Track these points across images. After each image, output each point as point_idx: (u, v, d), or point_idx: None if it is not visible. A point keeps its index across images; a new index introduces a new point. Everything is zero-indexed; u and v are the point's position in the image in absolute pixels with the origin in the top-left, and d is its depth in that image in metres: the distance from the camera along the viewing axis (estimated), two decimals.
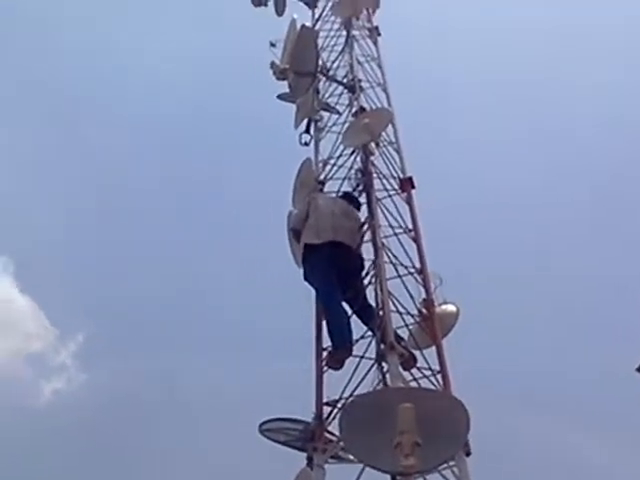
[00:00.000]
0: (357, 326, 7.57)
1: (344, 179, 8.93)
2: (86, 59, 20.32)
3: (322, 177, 9.16)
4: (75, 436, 16.20)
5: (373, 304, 7.58)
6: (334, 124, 9.82)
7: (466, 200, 16.79)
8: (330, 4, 11.54)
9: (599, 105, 17.91)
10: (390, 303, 7.25)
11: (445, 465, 6.03)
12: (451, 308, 7.95)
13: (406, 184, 8.58)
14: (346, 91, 10.09)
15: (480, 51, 18.80)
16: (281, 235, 8.72)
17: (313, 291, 7.97)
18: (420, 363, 7.14)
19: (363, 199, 8.57)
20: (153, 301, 17.99)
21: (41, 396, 18.68)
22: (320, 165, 9.33)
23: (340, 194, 8.81)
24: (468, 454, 6.16)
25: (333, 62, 10.47)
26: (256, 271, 15.95)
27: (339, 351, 7.30)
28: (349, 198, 8.65)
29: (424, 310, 7.53)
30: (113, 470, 15.22)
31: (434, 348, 7.22)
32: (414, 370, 7.10)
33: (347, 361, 7.27)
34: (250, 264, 16.32)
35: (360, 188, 8.68)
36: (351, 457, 6.32)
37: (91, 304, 18.48)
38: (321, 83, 10.25)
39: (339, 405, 6.83)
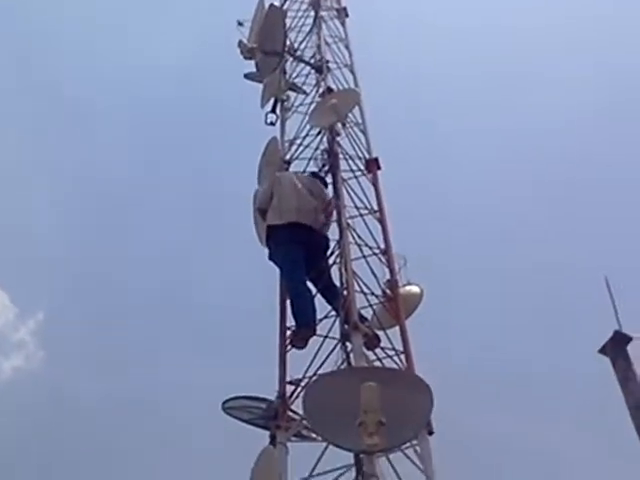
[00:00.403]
0: (321, 305, 7.59)
1: (310, 159, 8.91)
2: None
3: (288, 157, 9.13)
4: (36, 414, 16.17)
5: (337, 284, 7.59)
6: (301, 104, 9.79)
7: (431, 182, 16.88)
8: None
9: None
10: (354, 283, 7.27)
11: (408, 444, 6.07)
12: (415, 289, 7.99)
13: (372, 165, 8.59)
14: (313, 71, 10.07)
15: (450, 37, 18.82)
16: None
17: (278, 270, 7.98)
18: (384, 343, 7.19)
19: (329, 179, 8.56)
20: (123, 286, 17.89)
21: (1, 373, 18.58)
22: (286, 145, 9.30)
23: (306, 174, 8.80)
24: (431, 433, 6.20)
25: (301, 42, 10.46)
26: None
27: (303, 330, 7.31)
28: (316, 178, 8.65)
29: (388, 291, 7.56)
30: (74, 448, 15.23)
31: (398, 328, 7.26)
32: (378, 350, 7.14)
33: (311, 340, 7.28)
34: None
35: (326, 168, 8.66)
36: (314, 435, 6.36)
37: (55, 284, 18.37)
38: (288, 63, 10.23)
39: (302, 384, 6.84)
